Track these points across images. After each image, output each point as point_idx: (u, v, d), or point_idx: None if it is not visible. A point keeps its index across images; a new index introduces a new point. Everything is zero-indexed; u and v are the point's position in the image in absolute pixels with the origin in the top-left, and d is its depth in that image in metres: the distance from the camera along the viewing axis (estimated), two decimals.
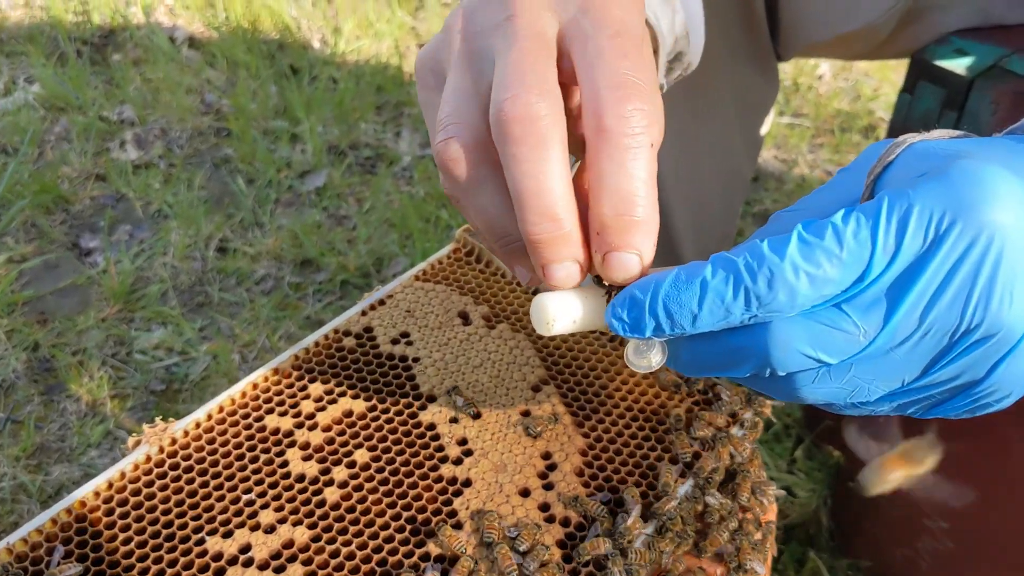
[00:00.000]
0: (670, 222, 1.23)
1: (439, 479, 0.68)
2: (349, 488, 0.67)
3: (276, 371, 0.76)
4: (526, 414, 0.73)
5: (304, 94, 2.28)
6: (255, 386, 0.75)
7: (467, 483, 0.68)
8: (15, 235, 1.90)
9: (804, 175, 2.17)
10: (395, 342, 0.79)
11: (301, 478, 0.68)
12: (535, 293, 0.83)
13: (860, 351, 0.45)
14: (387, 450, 0.70)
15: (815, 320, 0.44)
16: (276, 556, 0.63)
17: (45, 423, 1.55)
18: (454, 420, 0.72)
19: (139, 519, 0.65)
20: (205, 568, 0.63)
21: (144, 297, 1.78)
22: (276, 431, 0.71)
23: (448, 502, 0.66)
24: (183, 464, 0.69)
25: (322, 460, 0.69)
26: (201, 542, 0.64)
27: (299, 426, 0.72)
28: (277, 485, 0.67)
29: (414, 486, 0.67)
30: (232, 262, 1.86)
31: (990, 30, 1.05)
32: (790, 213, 0.52)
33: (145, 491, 0.67)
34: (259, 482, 0.68)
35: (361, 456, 0.69)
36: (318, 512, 0.66)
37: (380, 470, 0.68)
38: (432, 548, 0.63)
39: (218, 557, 0.63)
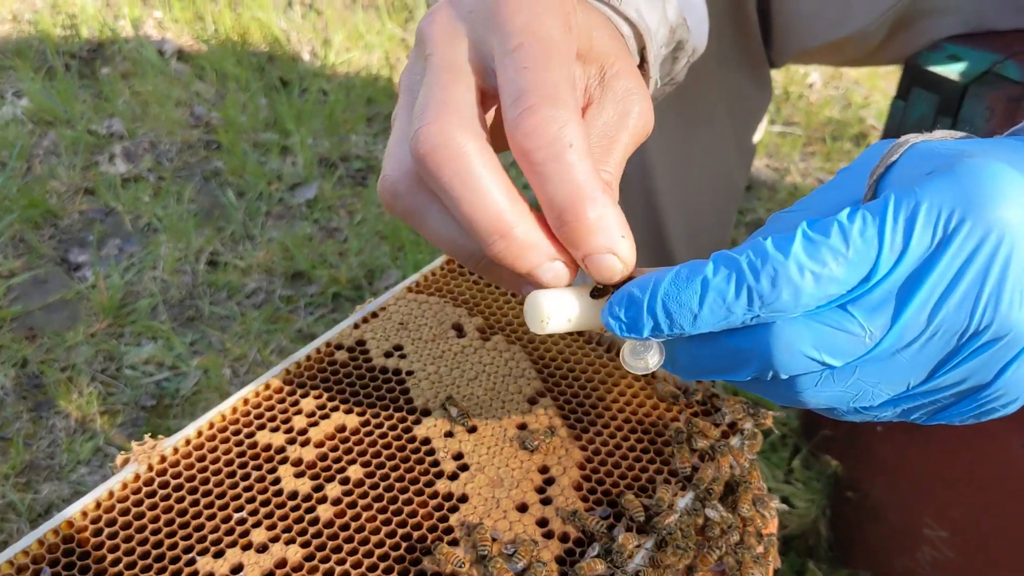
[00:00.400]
0: (664, 230, 1.23)
1: (434, 495, 0.67)
2: (343, 505, 0.66)
3: (267, 386, 0.74)
4: (522, 427, 0.72)
5: (294, 106, 2.27)
6: (246, 402, 0.73)
7: (463, 499, 0.66)
8: (3, 250, 1.89)
9: (796, 183, 2.16)
10: (388, 355, 0.78)
11: (294, 495, 0.67)
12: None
13: (866, 353, 0.43)
14: (381, 466, 0.69)
15: (819, 321, 0.43)
16: None
17: (34, 440, 1.53)
18: (449, 434, 0.71)
19: (128, 539, 0.64)
20: None
21: (134, 312, 1.76)
22: (268, 447, 0.70)
23: (444, 518, 0.65)
24: (173, 482, 0.67)
25: (315, 477, 0.68)
26: (192, 562, 0.62)
27: (291, 442, 0.70)
28: (269, 503, 0.66)
29: (409, 502, 0.66)
30: (223, 276, 1.84)
31: (982, 36, 1.05)
32: (789, 214, 0.51)
33: (134, 510, 0.65)
34: (251, 500, 0.66)
35: (355, 472, 0.68)
36: (311, 530, 0.64)
37: (374, 486, 0.67)
38: (428, 565, 0.62)
39: None
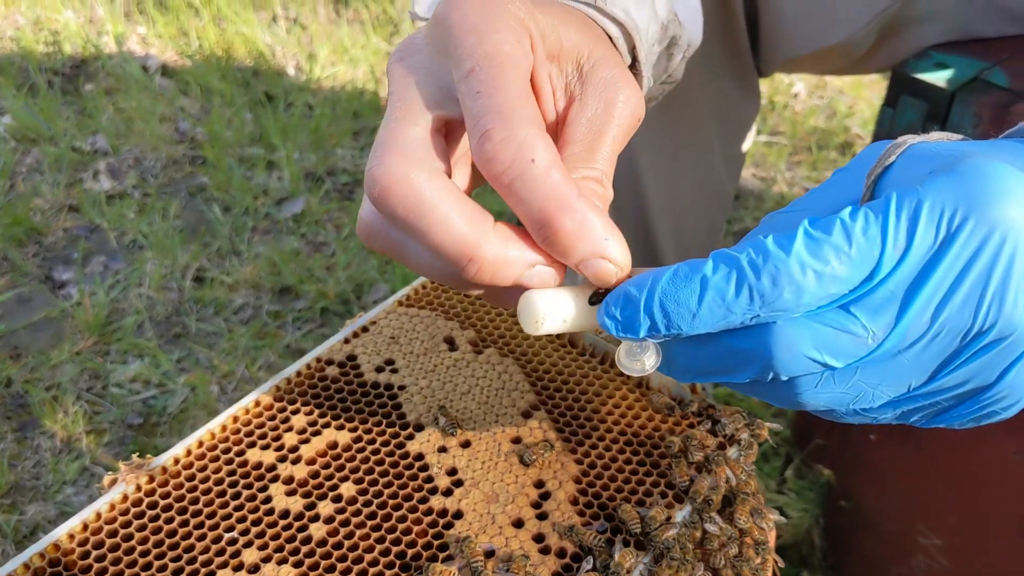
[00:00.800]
0: (654, 240, 1.22)
1: (428, 511, 0.66)
2: (335, 523, 0.65)
3: (257, 403, 0.73)
4: (517, 441, 0.71)
5: (280, 121, 2.26)
6: (235, 419, 0.72)
7: (458, 515, 0.65)
8: None
9: (783, 192, 2.17)
10: (380, 370, 0.77)
11: (285, 514, 0.65)
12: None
13: (868, 354, 0.43)
14: (374, 482, 0.68)
15: (821, 322, 0.42)
16: None
17: (19, 461, 1.51)
18: (443, 449, 0.70)
19: (116, 562, 0.62)
20: None
21: (120, 329, 1.75)
22: (258, 465, 0.69)
23: (439, 535, 0.64)
24: (162, 503, 0.66)
25: (307, 495, 0.67)
26: None
27: (282, 460, 0.69)
28: (260, 522, 0.65)
29: (403, 519, 0.65)
30: (209, 292, 1.83)
31: (969, 43, 1.05)
32: (785, 214, 0.50)
33: (122, 532, 0.64)
34: (242, 519, 0.65)
35: (347, 489, 0.67)
36: (304, 549, 0.63)
37: (367, 503, 0.66)
38: None
39: None
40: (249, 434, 0.71)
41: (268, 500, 0.66)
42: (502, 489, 0.67)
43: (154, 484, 0.67)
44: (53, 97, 2.33)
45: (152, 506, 0.66)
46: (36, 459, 1.52)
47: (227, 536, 0.64)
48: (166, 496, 0.66)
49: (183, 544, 0.63)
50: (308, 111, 2.36)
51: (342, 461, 0.69)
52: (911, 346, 0.42)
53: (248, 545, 0.63)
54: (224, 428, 0.71)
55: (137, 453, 0.70)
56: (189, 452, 0.69)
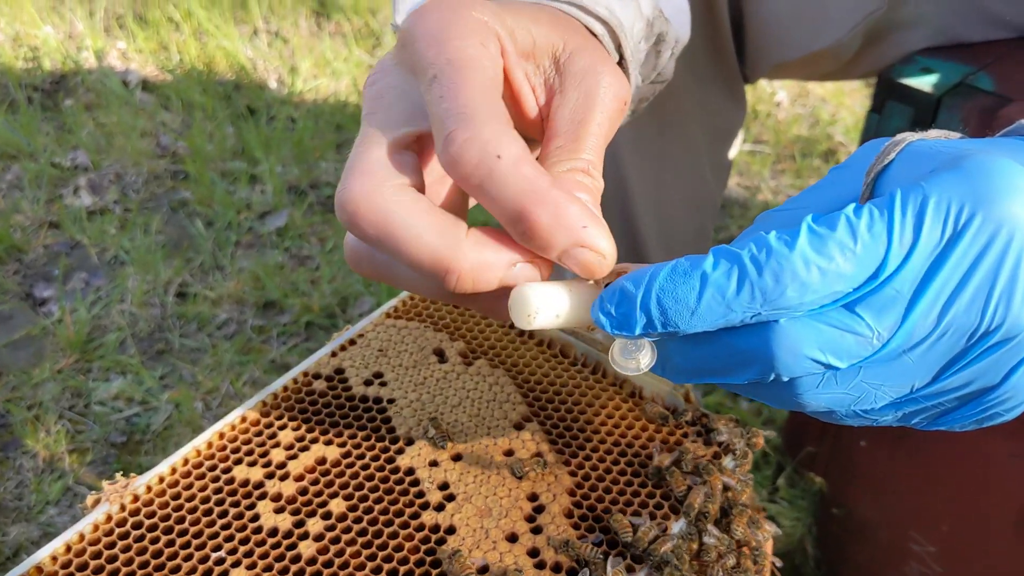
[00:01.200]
0: (641, 248, 1.21)
1: (421, 527, 0.64)
2: (325, 541, 0.63)
3: (243, 419, 0.72)
4: (509, 453, 0.70)
5: (262, 134, 2.25)
6: (221, 436, 0.71)
7: (451, 530, 0.64)
8: None
9: (768, 201, 2.17)
10: (368, 383, 0.76)
11: (274, 532, 0.64)
12: (511, 327, 0.80)
13: (872, 354, 0.42)
14: (364, 498, 0.66)
15: (825, 322, 0.41)
16: None
17: (1, 481, 1.49)
18: (434, 463, 0.69)
19: None
20: None
21: (102, 346, 1.72)
22: (245, 483, 0.67)
23: (431, 551, 0.63)
24: (147, 522, 0.64)
25: (295, 512, 0.65)
26: None
27: (270, 476, 0.68)
28: (248, 541, 0.63)
29: (395, 536, 0.64)
30: (192, 307, 1.81)
31: (953, 48, 1.05)
32: (781, 212, 0.49)
33: (107, 553, 0.62)
34: (229, 538, 0.63)
35: (337, 506, 0.66)
36: (293, 568, 0.62)
37: (358, 520, 0.65)
38: None
39: None
40: (235, 451, 0.70)
41: (256, 518, 0.65)
42: (495, 503, 0.66)
43: (138, 503, 0.66)
44: (33, 113, 2.31)
45: (137, 526, 0.64)
46: (18, 479, 1.49)
47: (214, 556, 0.62)
48: (151, 515, 0.65)
49: (169, 565, 0.62)
50: (291, 124, 2.34)
51: (331, 477, 0.68)
52: (916, 346, 0.42)
53: (236, 565, 0.62)
54: (210, 445, 0.70)
55: (121, 472, 0.68)
56: (174, 470, 0.68)
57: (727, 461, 0.69)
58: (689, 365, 0.46)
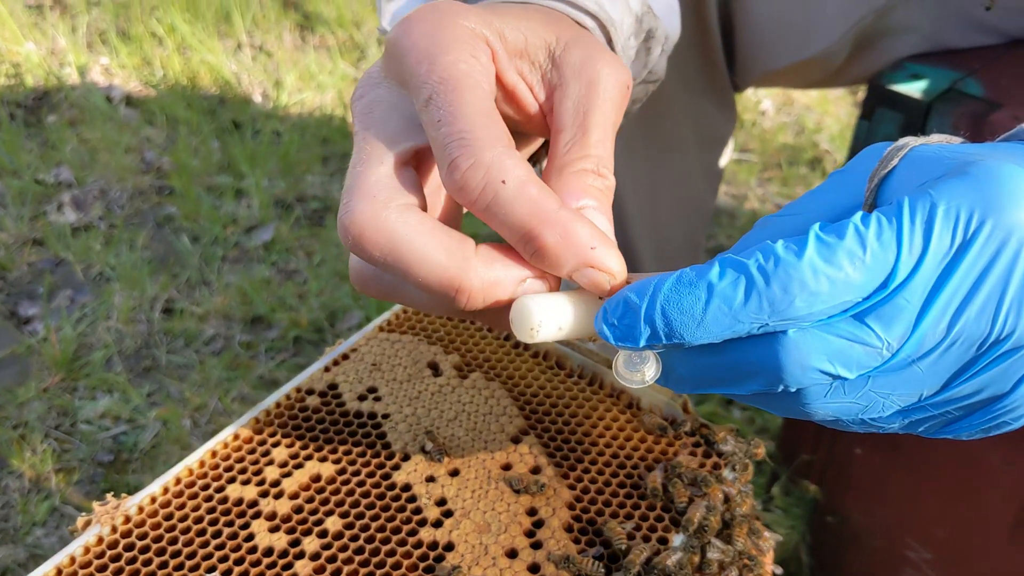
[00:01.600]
0: (634, 257, 1.21)
1: (419, 544, 0.63)
2: (322, 560, 0.62)
3: (236, 436, 0.71)
4: (507, 467, 0.69)
5: (247, 148, 2.24)
6: (214, 454, 0.69)
7: (449, 547, 0.63)
8: None
9: (755, 209, 2.17)
10: (362, 398, 0.75)
11: (269, 552, 0.63)
12: (506, 339, 0.79)
13: (882, 364, 0.41)
14: (360, 516, 0.65)
15: (834, 333, 0.41)
16: None
17: None
18: (431, 479, 0.68)
19: None
20: None
21: (88, 364, 1.70)
22: (239, 502, 0.66)
23: (430, 568, 0.62)
24: (139, 544, 0.63)
25: (291, 531, 0.64)
26: None
27: (264, 495, 0.67)
28: (243, 561, 0.62)
29: (392, 553, 0.63)
30: (179, 323, 1.79)
31: (942, 54, 1.05)
32: (781, 218, 0.48)
33: None
34: (223, 559, 0.62)
35: (333, 524, 0.64)
36: None
37: (354, 538, 0.64)
38: None
39: None
40: (228, 469, 0.68)
41: (251, 538, 0.64)
42: (494, 518, 0.65)
43: (130, 525, 0.64)
44: (16, 130, 2.29)
45: (129, 548, 0.63)
46: (4, 500, 1.47)
47: None
48: (143, 537, 0.64)
49: None
50: (276, 138, 2.33)
51: (326, 494, 0.67)
52: (926, 355, 0.41)
53: None
54: (202, 464, 0.69)
55: (111, 492, 0.67)
56: (166, 490, 0.67)
57: (727, 472, 0.69)
58: (694, 376, 0.45)
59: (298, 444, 0.70)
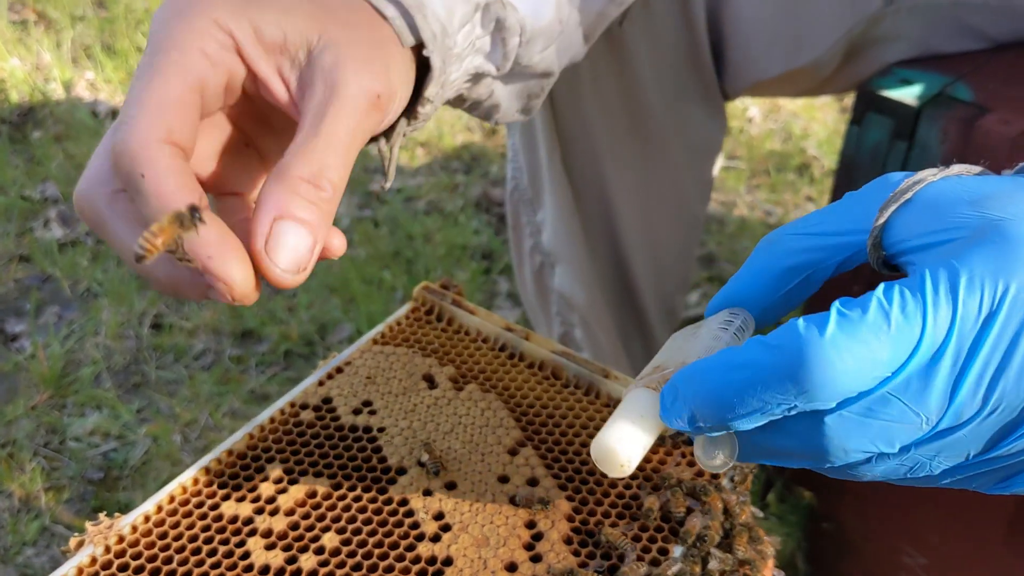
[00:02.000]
0: (628, 271, 1.21)
1: (417, 559, 0.62)
2: None
3: (230, 452, 0.70)
4: (504, 480, 0.68)
5: None
6: (207, 471, 0.69)
7: (448, 562, 0.62)
8: None
9: (744, 216, 2.18)
10: (357, 412, 0.74)
11: (265, 570, 0.62)
12: (502, 349, 0.79)
13: (923, 436, 0.41)
14: (357, 531, 0.64)
15: (870, 415, 0.40)
16: None
17: None
18: (428, 493, 0.67)
19: None
20: None
21: (76, 381, 1.69)
22: (234, 519, 0.65)
23: None
24: (133, 564, 0.62)
25: (287, 548, 0.63)
26: None
27: (259, 512, 0.66)
28: None
29: (390, 569, 0.62)
30: (168, 338, 1.78)
31: (931, 60, 1.06)
32: (792, 237, 0.49)
33: None
34: None
35: (330, 540, 0.64)
36: None
37: (352, 554, 0.63)
38: None
39: None
40: (223, 486, 0.68)
41: (246, 556, 0.63)
42: (492, 531, 0.64)
43: (124, 544, 0.63)
44: (1, 146, 2.28)
45: (123, 568, 0.62)
46: None
47: None
48: (137, 556, 0.63)
49: None
50: None
51: (323, 510, 0.66)
52: (966, 424, 0.40)
53: None
54: (196, 481, 0.68)
55: (102, 510, 0.66)
56: (160, 508, 0.66)
57: (725, 482, 0.68)
58: (747, 454, 0.46)
59: (293, 459, 0.70)
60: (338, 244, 0.54)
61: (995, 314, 0.39)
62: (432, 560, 0.62)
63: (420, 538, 0.64)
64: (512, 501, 0.66)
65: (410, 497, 0.67)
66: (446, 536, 0.64)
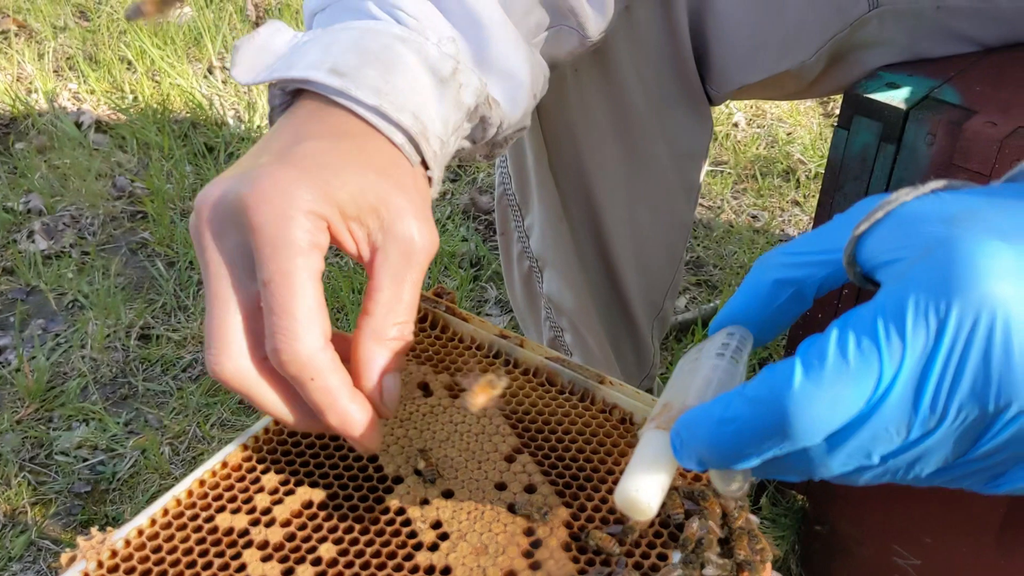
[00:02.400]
0: (617, 275, 1.21)
1: (415, 569, 0.62)
2: None
3: (224, 464, 0.69)
4: (502, 487, 0.68)
5: (221, 171, 2.22)
6: (202, 483, 0.68)
7: (446, 571, 0.62)
8: None
9: (731, 221, 2.18)
10: None
11: None
12: (495, 356, 0.79)
13: (898, 448, 0.43)
14: (355, 541, 0.64)
15: (847, 445, 0.43)
16: None
17: None
18: (425, 501, 0.67)
19: None
20: None
21: (63, 394, 1.68)
22: (230, 531, 0.65)
23: None
24: None
25: (284, 559, 0.63)
26: None
27: (255, 523, 0.65)
28: None
29: None
30: (156, 350, 1.77)
31: (917, 63, 1.06)
32: (783, 257, 0.51)
33: None
34: None
35: (327, 551, 0.63)
36: None
37: (349, 564, 0.62)
38: None
39: None
40: (217, 498, 0.67)
41: (242, 568, 0.62)
42: (491, 539, 0.64)
43: (117, 559, 0.63)
44: None
45: None
46: None
47: None
48: (131, 571, 0.62)
49: None
50: None
51: (319, 521, 0.65)
52: (933, 433, 0.42)
53: None
54: (190, 493, 0.67)
55: (97, 526, 0.65)
56: (153, 522, 0.65)
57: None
58: (756, 474, 0.50)
59: (288, 470, 0.69)
60: None
61: (940, 336, 0.40)
62: (431, 569, 0.62)
63: (418, 547, 0.63)
64: (510, 508, 0.66)
65: (407, 506, 0.66)
66: (444, 545, 0.63)
